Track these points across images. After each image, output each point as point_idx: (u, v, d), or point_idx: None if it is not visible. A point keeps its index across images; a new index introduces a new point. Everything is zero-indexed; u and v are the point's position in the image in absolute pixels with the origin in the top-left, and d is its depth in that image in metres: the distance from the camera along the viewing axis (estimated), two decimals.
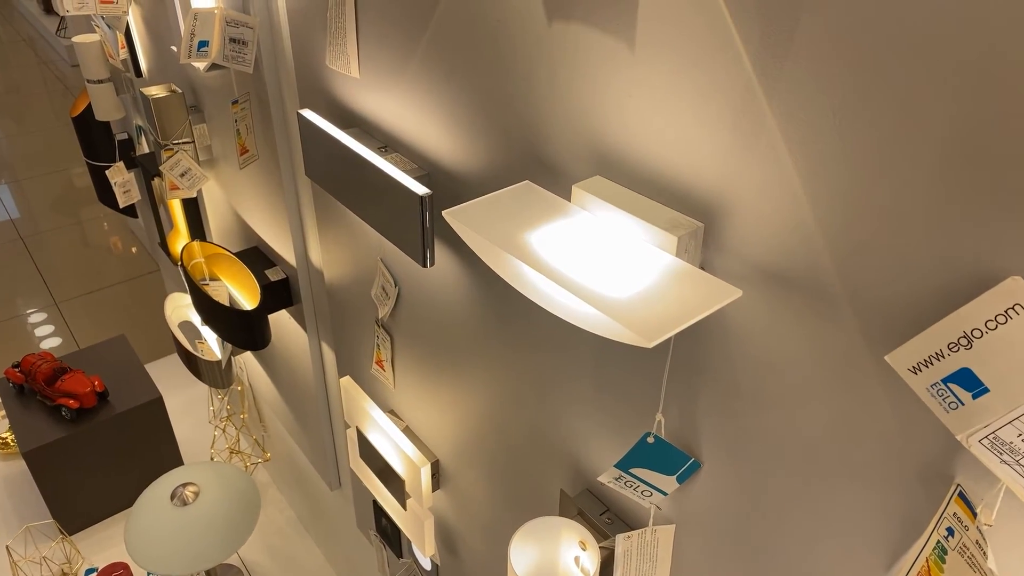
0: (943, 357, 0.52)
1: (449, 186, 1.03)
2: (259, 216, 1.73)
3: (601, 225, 0.73)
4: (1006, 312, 0.48)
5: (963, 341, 0.50)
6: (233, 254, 1.82)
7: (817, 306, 0.62)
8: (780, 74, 0.58)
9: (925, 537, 0.62)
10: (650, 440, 0.81)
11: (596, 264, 0.68)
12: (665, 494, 0.83)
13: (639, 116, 0.71)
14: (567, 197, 0.79)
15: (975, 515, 0.57)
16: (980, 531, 0.56)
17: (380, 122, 1.14)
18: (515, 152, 0.89)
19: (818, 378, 0.64)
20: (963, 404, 0.52)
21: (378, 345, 1.43)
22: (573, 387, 0.95)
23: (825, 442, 0.66)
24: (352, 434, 1.50)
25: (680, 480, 0.82)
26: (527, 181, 0.81)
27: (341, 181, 1.15)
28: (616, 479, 0.85)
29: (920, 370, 0.53)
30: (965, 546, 0.57)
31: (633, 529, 0.96)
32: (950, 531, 0.59)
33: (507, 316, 1.02)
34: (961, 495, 0.58)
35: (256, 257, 1.81)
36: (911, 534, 0.63)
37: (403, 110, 1.07)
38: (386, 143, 1.14)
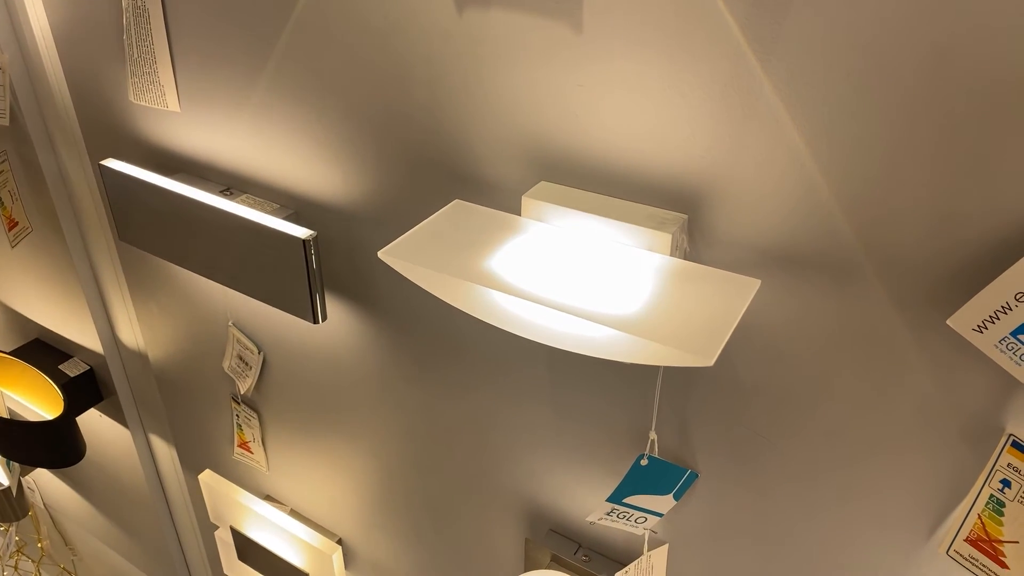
0: (1010, 309, 0.49)
1: (330, 224, 0.87)
2: (39, 302, 1.40)
3: (566, 236, 0.64)
4: None
5: None
6: (7, 354, 1.45)
7: (835, 282, 0.58)
8: (777, 36, 0.52)
9: (974, 493, 0.60)
10: (644, 463, 0.73)
11: (583, 280, 0.58)
12: (661, 515, 0.76)
13: (594, 107, 0.62)
14: (508, 211, 0.68)
15: None
16: None
17: (216, 161, 0.94)
18: (419, 171, 0.76)
19: (839, 358, 0.60)
20: None
21: (240, 425, 1.21)
22: (525, 421, 0.84)
23: (851, 422, 0.62)
24: (224, 535, 1.26)
25: (677, 497, 0.76)
26: (457, 200, 0.69)
27: (175, 239, 0.94)
28: (608, 514, 0.76)
29: (986, 327, 0.50)
30: None
31: (611, 557, 0.88)
32: (1005, 483, 0.58)
33: (428, 357, 0.88)
34: (1015, 444, 0.56)
35: (41, 352, 1.46)
36: (956, 494, 0.61)
37: (250, 142, 0.88)
38: (228, 185, 0.94)
